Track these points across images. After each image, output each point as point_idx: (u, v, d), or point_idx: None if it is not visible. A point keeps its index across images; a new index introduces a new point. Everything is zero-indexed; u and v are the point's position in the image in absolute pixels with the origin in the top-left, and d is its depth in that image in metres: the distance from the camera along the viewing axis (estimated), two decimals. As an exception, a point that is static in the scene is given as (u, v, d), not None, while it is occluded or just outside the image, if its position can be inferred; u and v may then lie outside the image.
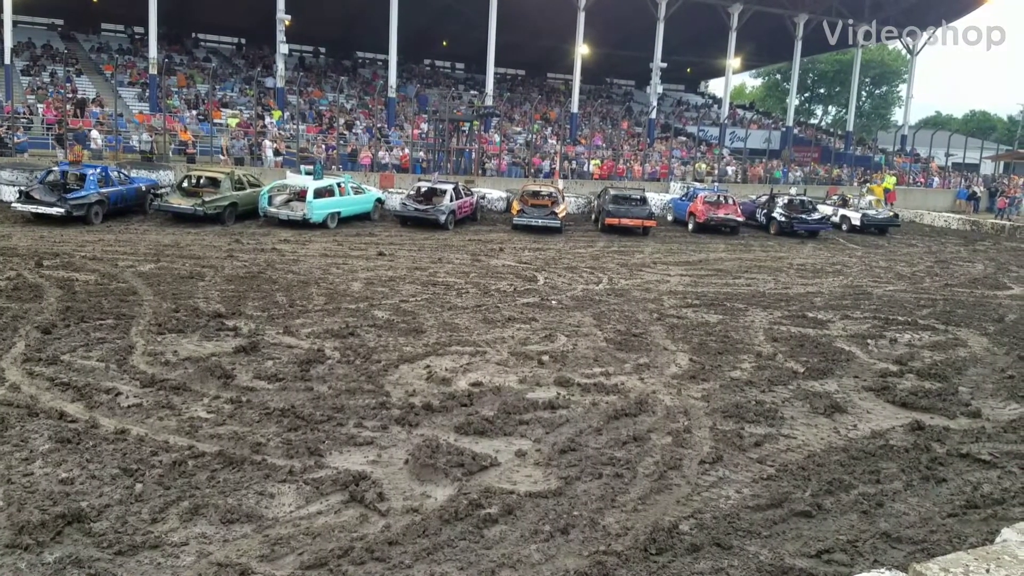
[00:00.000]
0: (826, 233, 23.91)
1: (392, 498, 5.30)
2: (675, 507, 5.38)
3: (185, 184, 19.39)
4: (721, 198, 23.49)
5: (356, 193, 20.58)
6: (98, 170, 18.10)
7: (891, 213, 26.51)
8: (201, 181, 19.48)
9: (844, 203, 26.94)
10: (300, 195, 19.03)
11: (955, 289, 15.47)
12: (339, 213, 19.49)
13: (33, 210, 16.72)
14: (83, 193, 17.10)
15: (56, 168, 18.44)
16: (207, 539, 4.68)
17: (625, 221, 21.03)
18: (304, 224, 18.47)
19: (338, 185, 19.68)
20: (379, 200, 21.70)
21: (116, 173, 18.79)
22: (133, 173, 20.14)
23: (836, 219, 25.63)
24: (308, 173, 21.97)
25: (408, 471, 5.72)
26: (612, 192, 22.75)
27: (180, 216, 18.10)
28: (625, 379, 8.17)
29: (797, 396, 7.95)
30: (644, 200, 22.17)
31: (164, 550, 4.53)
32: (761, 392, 8.00)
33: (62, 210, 16.47)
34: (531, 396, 7.46)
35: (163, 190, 19.54)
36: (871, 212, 25.67)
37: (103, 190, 17.67)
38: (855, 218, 25.27)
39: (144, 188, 19.39)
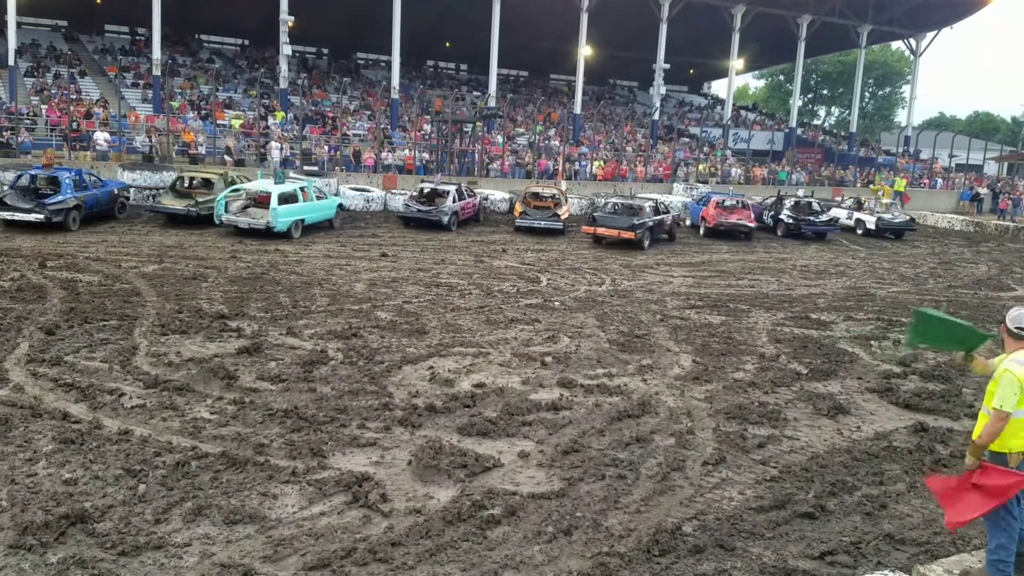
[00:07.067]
0: (831, 235, 23.83)
1: (395, 499, 5.31)
2: (678, 508, 5.37)
3: (178, 185, 19.13)
4: (736, 203, 23.10)
5: (318, 198, 19.01)
6: (72, 173, 17.23)
7: (907, 217, 25.77)
8: (194, 182, 19.21)
9: (859, 206, 26.32)
10: (258, 200, 17.40)
11: (959, 291, 15.44)
12: (303, 221, 17.77)
13: (8, 217, 15.81)
14: (61, 198, 16.23)
15: (27, 173, 17.51)
16: (210, 540, 4.69)
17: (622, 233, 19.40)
18: (268, 234, 16.77)
19: (301, 190, 18.01)
20: (341, 206, 20.22)
21: (90, 176, 18.03)
22: (113, 177, 19.43)
23: (851, 223, 25.25)
24: (267, 176, 20.52)
25: (411, 472, 5.73)
26: (614, 200, 21.37)
27: (173, 217, 17.89)
28: (628, 380, 8.16)
29: (800, 397, 7.93)
30: (658, 210, 20.28)
31: (167, 551, 4.54)
32: (764, 393, 7.99)
33: (41, 216, 15.67)
34: (534, 397, 7.45)
35: (159, 192, 19.15)
36: (887, 216, 24.97)
37: (79, 194, 16.79)
38: (870, 222, 24.79)
39: (116, 192, 18.53)
